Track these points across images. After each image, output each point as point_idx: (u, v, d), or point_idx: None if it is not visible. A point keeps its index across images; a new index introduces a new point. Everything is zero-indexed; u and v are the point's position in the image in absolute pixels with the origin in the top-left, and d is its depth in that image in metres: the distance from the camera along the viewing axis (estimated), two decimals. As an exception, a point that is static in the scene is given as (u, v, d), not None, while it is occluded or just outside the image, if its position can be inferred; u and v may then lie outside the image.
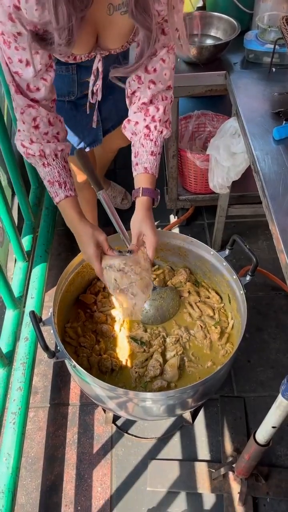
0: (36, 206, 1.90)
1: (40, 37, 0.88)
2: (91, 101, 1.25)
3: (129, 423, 1.59)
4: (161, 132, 1.17)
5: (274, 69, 1.49)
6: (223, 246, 2.13)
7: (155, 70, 1.09)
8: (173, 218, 2.30)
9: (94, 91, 1.21)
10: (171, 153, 1.90)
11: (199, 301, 1.43)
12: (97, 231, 1.14)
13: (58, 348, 1.12)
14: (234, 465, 1.40)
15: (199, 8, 1.81)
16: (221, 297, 1.44)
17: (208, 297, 1.44)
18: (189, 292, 1.44)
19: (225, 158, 1.56)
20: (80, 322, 1.39)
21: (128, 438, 1.56)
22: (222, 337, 1.34)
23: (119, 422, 1.60)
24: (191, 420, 1.56)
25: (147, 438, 1.55)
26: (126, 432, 1.57)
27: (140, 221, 1.15)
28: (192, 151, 1.97)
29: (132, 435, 1.56)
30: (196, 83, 1.60)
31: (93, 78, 1.17)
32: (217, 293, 1.45)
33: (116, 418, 1.60)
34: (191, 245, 1.42)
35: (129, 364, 1.29)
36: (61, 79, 1.25)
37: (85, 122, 1.41)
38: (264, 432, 1.13)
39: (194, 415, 1.58)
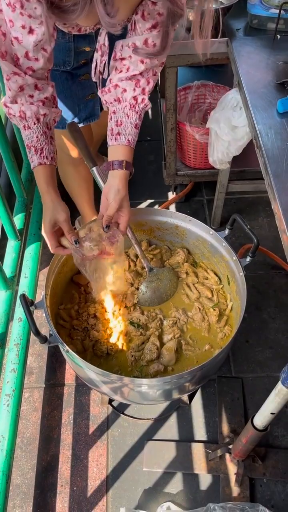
0: (29, 182, 1.83)
1: (55, 6, 0.82)
2: (93, 79, 1.17)
3: (125, 404, 1.58)
4: (146, 106, 1.13)
5: (279, 36, 1.42)
6: (223, 223, 2.08)
7: (154, 45, 1.02)
8: (171, 195, 2.24)
9: (100, 69, 1.14)
10: (169, 126, 1.82)
11: (197, 282, 1.39)
12: (58, 209, 1.08)
13: (51, 332, 1.09)
14: (230, 446, 1.39)
15: None
16: (219, 278, 1.40)
17: (207, 278, 1.40)
18: (186, 273, 1.40)
19: (225, 132, 1.49)
20: (74, 303, 1.35)
21: (124, 419, 1.55)
22: (220, 320, 1.31)
23: (115, 403, 1.58)
24: (188, 401, 1.54)
25: (144, 419, 1.54)
26: (122, 413, 1.55)
27: (123, 195, 1.13)
28: (191, 124, 1.89)
29: (129, 415, 1.55)
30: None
31: (100, 53, 1.11)
32: (215, 274, 1.41)
33: (112, 399, 1.58)
34: (189, 224, 1.37)
35: (125, 348, 1.26)
36: (56, 47, 1.17)
37: (81, 94, 1.32)
38: (262, 417, 1.11)
39: (191, 396, 1.56)
